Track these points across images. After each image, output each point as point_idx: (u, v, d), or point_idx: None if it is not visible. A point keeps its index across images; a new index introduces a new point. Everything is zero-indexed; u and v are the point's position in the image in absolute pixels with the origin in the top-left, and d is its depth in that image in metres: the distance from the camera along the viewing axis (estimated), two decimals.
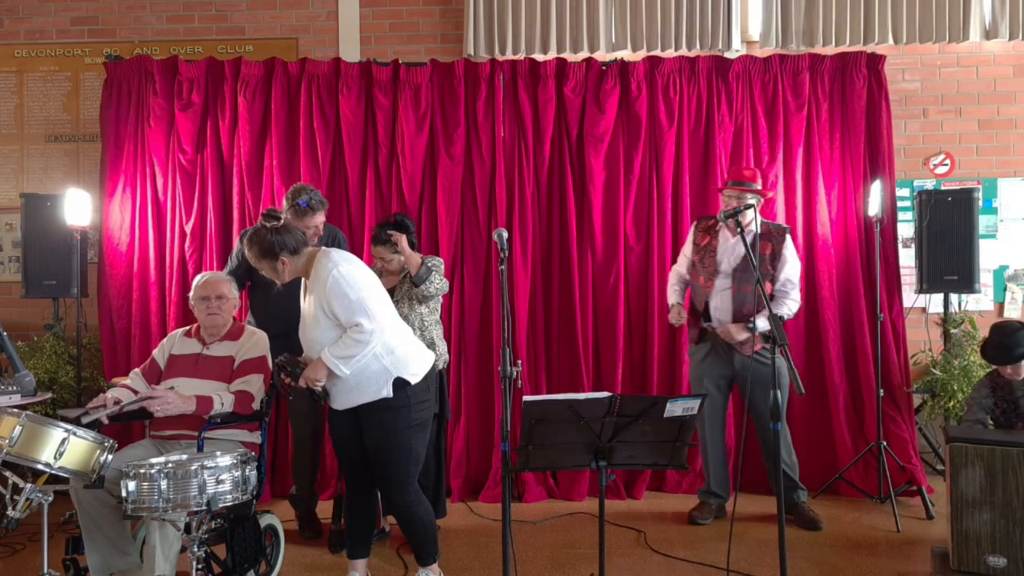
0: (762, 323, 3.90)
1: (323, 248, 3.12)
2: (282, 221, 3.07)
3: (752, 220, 4.02)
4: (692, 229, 4.42)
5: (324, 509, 4.22)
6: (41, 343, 4.89)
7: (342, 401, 3.09)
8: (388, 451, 3.10)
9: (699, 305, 4.24)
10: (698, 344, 4.25)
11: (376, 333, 2.98)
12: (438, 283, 3.78)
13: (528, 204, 4.92)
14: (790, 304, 4.16)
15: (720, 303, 4.14)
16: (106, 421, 3.16)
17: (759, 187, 4.20)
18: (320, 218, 3.91)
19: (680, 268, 4.40)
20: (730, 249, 4.14)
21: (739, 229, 3.35)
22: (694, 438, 3.75)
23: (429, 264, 3.75)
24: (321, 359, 2.98)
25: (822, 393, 4.81)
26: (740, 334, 4.06)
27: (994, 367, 3.86)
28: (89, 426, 3.04)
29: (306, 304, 3.10)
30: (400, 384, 3.07)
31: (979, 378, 4.17)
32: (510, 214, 4.91)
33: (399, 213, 4.29)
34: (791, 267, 4.19)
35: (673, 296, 4.34)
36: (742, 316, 4.07)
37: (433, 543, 3.29)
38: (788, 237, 4.22)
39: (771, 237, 4.17)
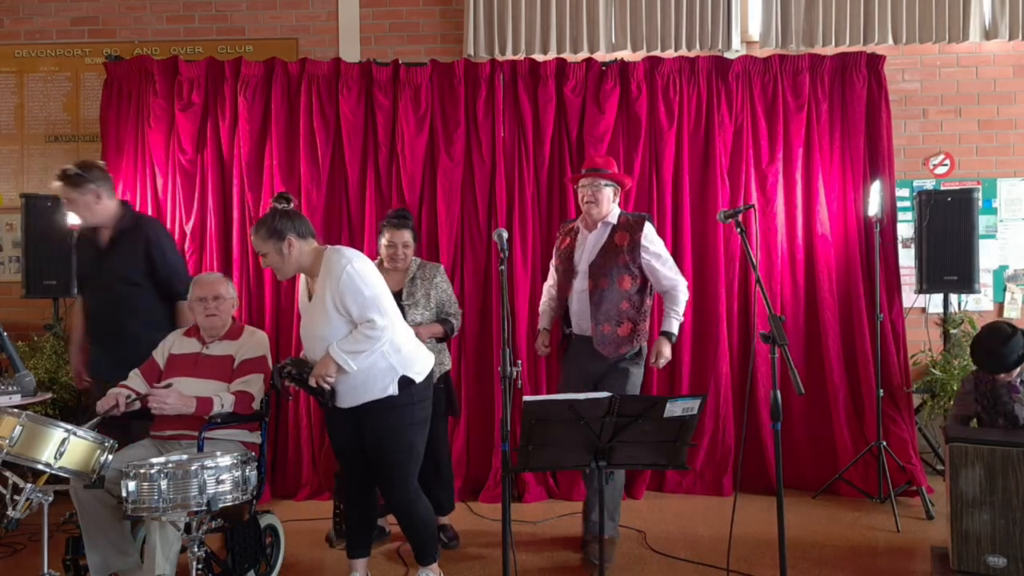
0: (674, 327, 3.72)
1: (330, 246, 3.12)
2: (291, 205, 3.09)
3: (609, 211, 3.76)
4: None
5: (323, 509, 4.22)
6: (41, 343, 4.89)
7: (348, 399, 3.09)
8: (391, 449, 3.10)
9: (565, 311, 3.88)
10: (566, 352, 3.90)
11: (387, 330, 2.99)
12: (457, 321, 3.98)
13: (528, 204, 4.92)
14: (681, 298, 3.75)
15: (578, 305, 3.76)
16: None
17: (611, 172, 3.80)
18: (74, 194, 3.63)
19: (549, 281, 4.05)
20: (588, 246, 3.78)
21: (740, 230, 3.21)
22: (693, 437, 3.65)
23: (446, 317, 3.93)
24: (329, 354, 2.98)
25: (822, 393, 4.81)
26: (666, 349, 3.71)
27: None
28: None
29: (311, 303, 3.10)
30: (404, 382, 3.08)
31: None
32: (510, 214, 4.91)
33: (401, 208, 4.33)
34: (664, 258, 3.78)
35: (542, 319, 4.03)
36: (601, 316, 3.68)
37: (433, 542, 3.29)
38: (648, 225, 3.78)
39: (628, 227, 3.75)
